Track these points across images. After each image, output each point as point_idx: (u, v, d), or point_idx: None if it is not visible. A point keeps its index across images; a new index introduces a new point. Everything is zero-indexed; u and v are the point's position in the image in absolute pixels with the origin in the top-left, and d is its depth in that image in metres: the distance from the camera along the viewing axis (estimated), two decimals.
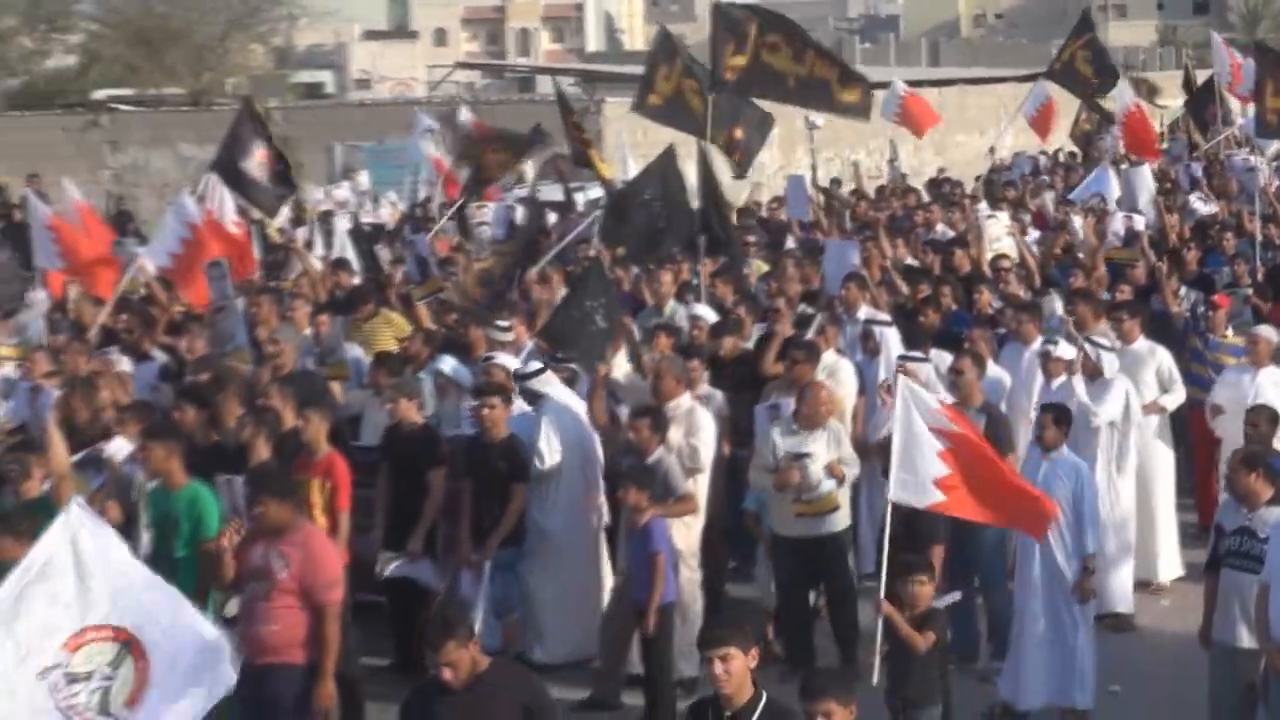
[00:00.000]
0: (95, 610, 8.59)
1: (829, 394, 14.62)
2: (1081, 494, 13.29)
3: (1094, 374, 15.77)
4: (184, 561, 12.25)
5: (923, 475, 12.15)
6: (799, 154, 41.84)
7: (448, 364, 16.08)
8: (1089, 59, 29.48)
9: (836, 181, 36.24)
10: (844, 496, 14.47)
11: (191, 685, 8.78)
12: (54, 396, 14.84)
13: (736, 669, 8.49)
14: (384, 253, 25.24)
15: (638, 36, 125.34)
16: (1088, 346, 15.86)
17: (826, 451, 14.20)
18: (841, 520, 14.47)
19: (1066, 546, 13.20)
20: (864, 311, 18.09)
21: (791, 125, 42.37)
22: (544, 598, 14.81)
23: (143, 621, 8.68)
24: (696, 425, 14.58)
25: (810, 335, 16.57)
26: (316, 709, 11.40)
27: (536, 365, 15.33)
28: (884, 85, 34.77)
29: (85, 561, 8.57)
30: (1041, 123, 31.84)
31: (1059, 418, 13.69)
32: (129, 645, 8.63)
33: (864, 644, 13.11)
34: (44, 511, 11.84)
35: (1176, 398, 16.87)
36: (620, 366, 16.37)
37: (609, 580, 14.81)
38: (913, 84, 35.49)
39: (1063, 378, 15.85)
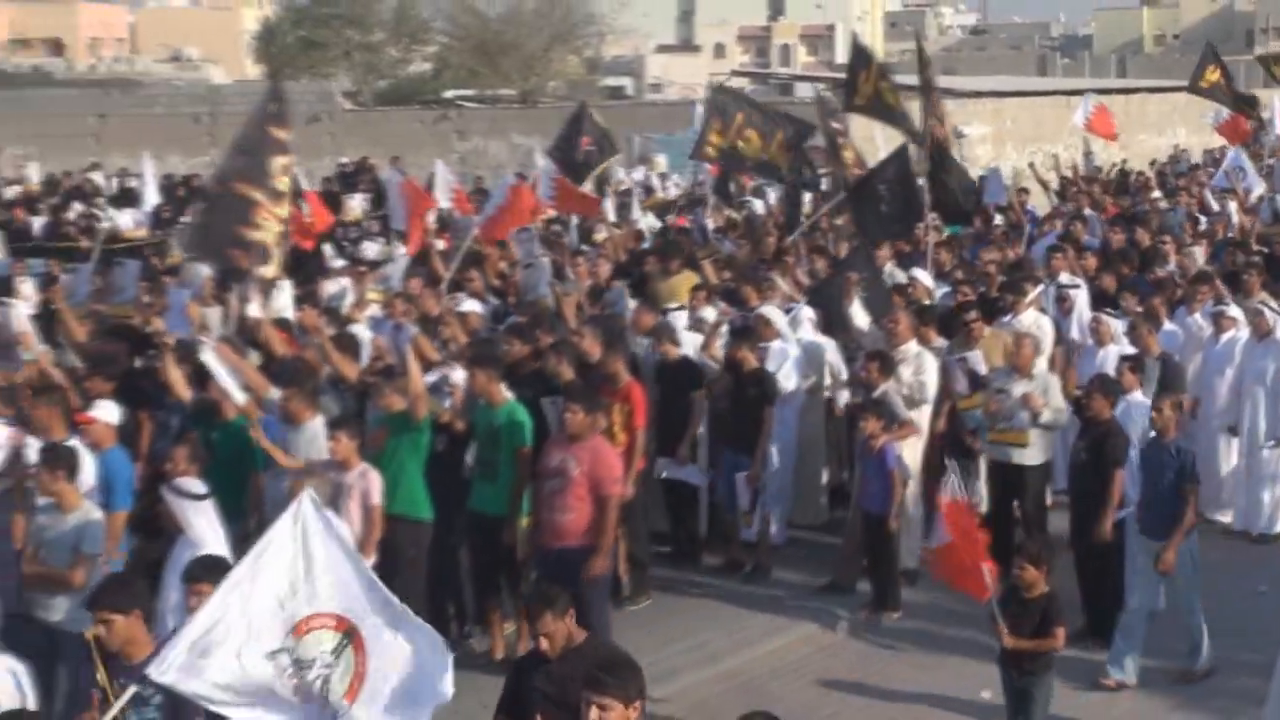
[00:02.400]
0: (320, 598, 7.48)
1: (1030, 344, 14.21)
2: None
3: (1265, 333, 15.26)
4: (505, 463, 12.36)
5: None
6: (1008, 149, 41.15)
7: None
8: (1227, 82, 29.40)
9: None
10: (1036, 435, 13.82)
11: (408, 692, 7.60)
12: (412, 332, 15.01)
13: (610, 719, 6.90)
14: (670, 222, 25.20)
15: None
16: (1266, 311, 15.37)
17: (1023, 390, 13.71)
18: (1031, 456, 13.86)
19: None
20: (1063, 278, 17.74)
21: (1001, 125, 41.81)
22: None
23: (363, 616, 7.53)
24: (923, 366, 14.40)
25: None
26: (597, 578, 11.58)
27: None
28: (1079, 92, 34.18)
29: (313, 551, 7.46)
30: (1231, 130, 30.75)
31: (1134, 366, 13.53)
32: (350, 635, 7.52)
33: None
34: (401, 425, 12.02)
35: None
36: (859, 317, 16.18)
37: None
38: (1103, 92, 34.81)
39: (1231, 332, 15.51)
